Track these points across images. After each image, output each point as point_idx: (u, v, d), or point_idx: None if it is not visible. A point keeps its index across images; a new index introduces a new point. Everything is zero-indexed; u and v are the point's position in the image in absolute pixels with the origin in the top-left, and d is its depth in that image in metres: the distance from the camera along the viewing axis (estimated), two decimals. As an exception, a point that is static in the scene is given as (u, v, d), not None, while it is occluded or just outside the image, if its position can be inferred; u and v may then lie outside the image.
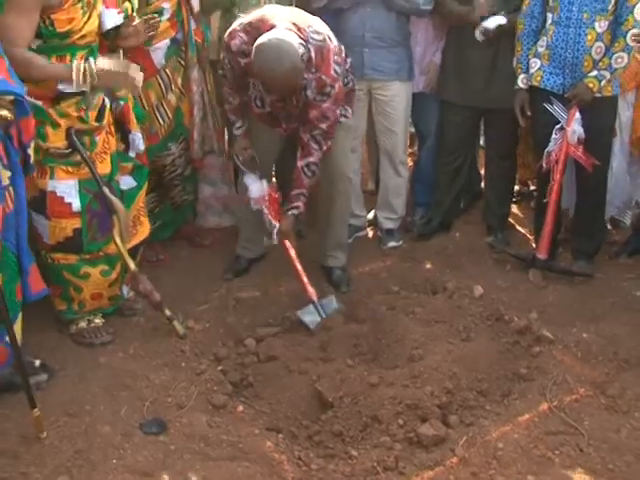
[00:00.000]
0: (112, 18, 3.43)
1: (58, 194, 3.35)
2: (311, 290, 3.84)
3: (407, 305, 3.90)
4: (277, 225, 3.89)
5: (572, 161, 4.14)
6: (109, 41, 3.55)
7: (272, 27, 3.51)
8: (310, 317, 3.76)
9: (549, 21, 4.03)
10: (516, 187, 5.23)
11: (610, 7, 3.86)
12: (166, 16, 3.99)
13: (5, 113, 2.75)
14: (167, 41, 4.05)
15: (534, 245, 4.51)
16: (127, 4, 3.56)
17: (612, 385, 3.29)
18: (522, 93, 4.20)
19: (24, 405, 2.95)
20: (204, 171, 4.54)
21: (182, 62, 4.18)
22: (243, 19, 3.71)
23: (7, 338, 2.93)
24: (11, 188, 2.94)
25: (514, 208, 5.13)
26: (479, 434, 3.01)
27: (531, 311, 3.87)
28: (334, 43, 3.69)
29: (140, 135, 3.73)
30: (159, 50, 4.04)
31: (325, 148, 3.79)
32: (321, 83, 3.60)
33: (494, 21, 4.18)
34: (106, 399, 3.18)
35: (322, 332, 3.64)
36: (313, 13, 3.92)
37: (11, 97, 2.78)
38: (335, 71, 3.63)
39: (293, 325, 3.78)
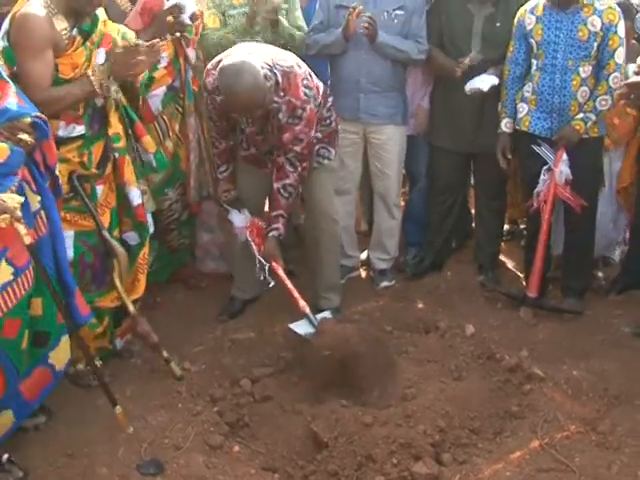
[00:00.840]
0: (102, 54, 3.52)
1: None
2: (302, 303, 3.90)
3: (400, 344, 3.98)
4: (261, 249, 3.95)
5: (560, 201, 4.23)
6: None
7: None
8: (304, 329, 3.83)
9: (534, 67, 4.16)
10: (506, 226, 5.32)
11: (593, 53, 3.99)
12: (163, 64, 4.09)
13: (26, 137, 2.84)
14: (164, 88, 4.14)
15: (524, 283, 4.59)
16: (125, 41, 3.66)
17: (602, 422, 3.35)
18: (505, 137, 4.32)
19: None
20: (202, 217, 4.61)
21: (179, 109, 4.30)
22: (216, 58, 3.84)
23: (50, 360, 3.07)
24: (43, 212, 3.01)
25: (504, 246, 5.20)
26: (472, 472, 3.07)
27: (522, 349, 3.94)
28: (302, 70, 3.80)
29: (137, 191, 3.76)
30: (156, 97, 4.13)
31: (300, 170, 3.86)
32: (291, 106, 3.71)
33: (488, 82, 4.28)
34: (104, 440, 3.23)
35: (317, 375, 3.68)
36: (306, 59, 4.04)
37: (29, 120, 2.87)
38: (305, 94, 3.74)
39: (288, 365, 3.84)
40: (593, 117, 4.03)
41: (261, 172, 4.10)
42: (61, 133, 3.39)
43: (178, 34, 4.11)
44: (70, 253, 3.44)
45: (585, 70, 4.03)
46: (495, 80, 4.29)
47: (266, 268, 3.92)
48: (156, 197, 4.26)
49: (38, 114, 2.92)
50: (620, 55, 3.98)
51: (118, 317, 3.84)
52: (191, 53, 4.23)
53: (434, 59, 4.49)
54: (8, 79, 2.98)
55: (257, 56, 3.64)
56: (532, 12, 4.13)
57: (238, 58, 3.57)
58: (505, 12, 4.32)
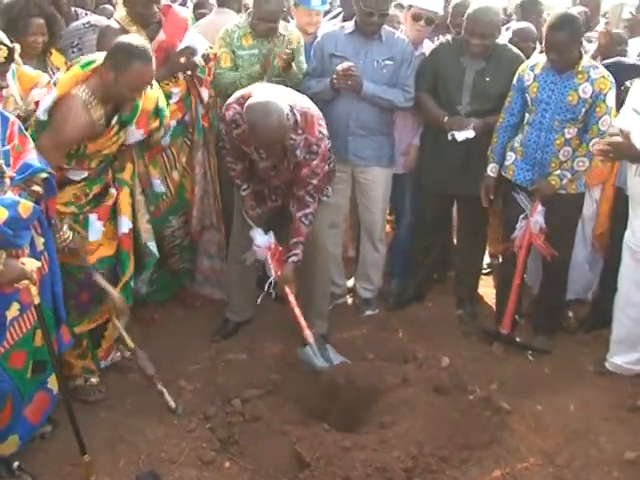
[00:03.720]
0: (135, 136, 3.82)
1: None
2: (308, 333, 4.17)
3: (380, 373, 4.22)
4: (278, 273, 4.21)
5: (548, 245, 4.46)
6: None
7: None
8: (309, 358, 4.12)
9: (526, 121, 4.43)
10: (487, 259, 5.62)
11: (580, 117, 4.24)
12: (174, 99, 4.42)
13: (38, 189, 3.13)
14: (174, 122, 4.42)
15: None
16: (156, 122, 3.95)
17: (561, 455, 3.63)
18: (489, 180, 4.57)
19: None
20: (204, 245, 4.87)
21: (188, 143, 4.58)
22: (235, 94, 4.12)
23: (48, 385, 3.33)
24: (46, 253, 3.30)
25: (484, 280, 5.50)
26: (439, 497, 3.36)
27: (492, 382, 4.23)
28: (318, 112, 4.10)
29: (126, 220, 3.98)
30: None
31: (318, 199, 4.18)
32: (308, 142, 4.00)
33: (463, 135, 4.56)
34: (106, 451, 3.52)
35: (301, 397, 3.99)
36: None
37: (44, 175, 3.16)
38: (320, 132, 4.05)
39: (277, 388, 4.12)
40: (569, 175, 4.27)
41: (264, 207, 4.38)
42: (70, 176, 3.67)
43: (189, 72, 4.41)
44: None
45: (570, 132, 4.27)
46: (471, 134, 4.54)
47: (272, 289, 4.27)
48: (160, 224, 4.54)
49: (51, 171, 3.21)
50: (605, 122, 4.19)
51: (97, 338, 4.06)
52: (204, 92, 4.52)
53: (423, 104, 4.79)
54: (27, 134, 3.25)
55: (279, 96, 3.92)
56: (532, 69, 4.36)
57: (265, 97, 3.83)
58: (495, 67, 4.57)
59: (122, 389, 4.04)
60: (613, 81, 4.23)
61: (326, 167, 4.21)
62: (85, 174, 3.72)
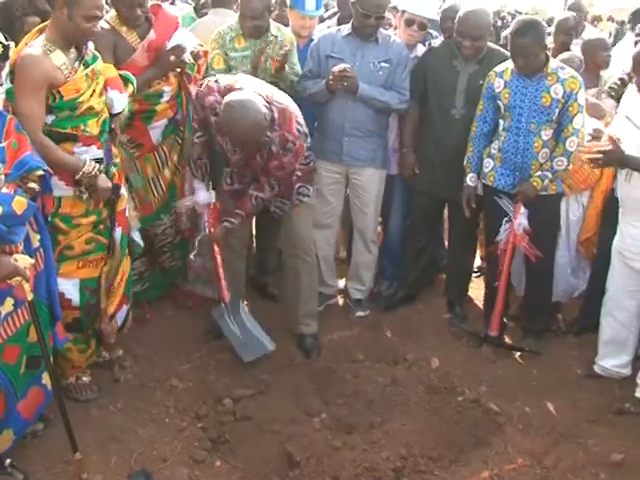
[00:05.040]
0: (120, 101, 3.84)
1: (60, 290, 3.61)
2: (226, 293, 4.37)
3: (370, 374, 4.29)
4: (211, 230, 4.32)
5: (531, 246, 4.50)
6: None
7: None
8: (220, 318, 4.36)
9: (501, 127, 4.48)
10: (477, 262, 5.66)
11: (554, 117, 4.30)
12: (166, 98, 4.44)
13: (34, 186, 3.15)
14: (165, 121, 4.48)
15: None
16: (130, 87, 3.98)
17: (548, 456, 3.68)
18: (469, 189, 4.62)
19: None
20: (194, 242, 4.81)
21: (179, 141, 4.60)
22: (218, 79, 4.15)
23: (43, 381, 3.35)
24: (41, 249, 3.32)
25: (474, 282, 5.52)
26: (427, 496, 3.40)
27: (481, 384, 4.27)
28: (296, 110, 4.13)
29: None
30: (157, 129, 4.48)
31: (276, 191, 4.22)
32: (284, 139, 4.02)
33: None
34: (98, 449, 3.54)
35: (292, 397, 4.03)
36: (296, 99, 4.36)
37: (40, 173, 3.17)
38: (297, 130, 4.07)
39: (267, 388, 4.14)
40: (550, 175, 4.33)
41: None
42: (79, 155, 3.62)
43: (179, 70, 4.43)
44: (76, 298, 3.76)
45: (546, 133, 4.33)
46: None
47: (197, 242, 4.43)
48: (151, 222, 4.58)
49: (47, 168, 3.22)
50: (578, 121, 4.28)
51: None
52: (193, 89, 4.52)
53: (412, 114, 4.89)
54: (24, 131, 3.26)
55: (259, 91, 3.95)
56: (501, 76, 4.41)
57: (244, 95, 3.86)
58: (489, 70, 4.56)
59: (114, 388, 4.05)
60: (582, 80, 4.32)
61: (304, 166, 4.25)
62: (94, 150, 3.68)
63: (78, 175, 3.58)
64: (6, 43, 3.15)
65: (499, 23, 17.64)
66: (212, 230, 4.31)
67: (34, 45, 3.47)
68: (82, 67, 3.61)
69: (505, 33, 5.49)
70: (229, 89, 3.98)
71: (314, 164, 4.46)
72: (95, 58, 3.73)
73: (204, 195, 4.35)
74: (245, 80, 4.13)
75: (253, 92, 3.94)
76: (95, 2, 3.51)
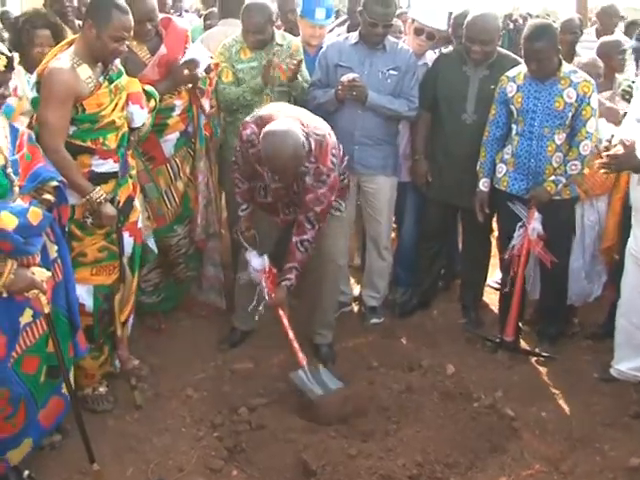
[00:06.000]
0: (141, 116, 3.90)
1: None
2: (301, 356, 4.17)
3: (385, 381, 4.29)
4: (272, 296, 4.21)
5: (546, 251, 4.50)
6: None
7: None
8: (301, 381, 4.11)
9: (514, 132, 4.48)
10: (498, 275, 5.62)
11: (567, 121, 4.30)
12: (177, 112, 4.47)
13: (49, 197, 3.18)
14: (177, 134, 4.51)
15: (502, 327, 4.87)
16: (152, 101, 4.05)
17: (565, 462, 3.66)
18: (482, 194, 4.62)
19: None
20: (209, 253, 4.92)
21: (191, 153, 4.63)
22: (255, 113, 4.17)
23: (63, 390, 3.37)
24: (59, 260, 3.36)
25: (489, 288, 5.52)
26: (445, 503, 3.40)
27: (497, 390, 4.25)
28: (333, 139, 4.13)
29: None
30: (169, 142, 4.51)
31: (317, 228, 4.16)
32: (319, 172, 4.03)
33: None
34: (114, 460, 3.56)
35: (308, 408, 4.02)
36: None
37: (54, 184, 3.21)
38: (332, 162, 4.07)
39: (282, 396, 4.15)
40: (563, 180, 4.33)
41: (272, 219, 4.42)
42: (95, 168, 3.70)
43: (190, 85, 4.45)
44: (90, 304, 3.80)
45: (560, 137, 4.34)
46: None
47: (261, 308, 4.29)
48: (165, 233, 4.61)
49: (62, 179, 3.26)
50: (591, 124, 4.28)
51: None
52: (205, 103, 4.55)
53: (423, 121, 4.91)
54: (37, 143, 3.31)
55: (296, 121, 3.95)
56: (513, 80, 4.43)
57: (283, 125, 3.85)
58: (499, 75, 4.56)
59: (130, 398, 4.06)
60: (594, 83, 4.32)
61: (332, 197, 4.17)
62: (110, 164, 3.75)
63: (83, 199, 3.64)
64: (9, 55, 3.19)
65: (511, 26, 17.67)
66: (272, 295, 4.21)
67: (62, 58, 3.56)
68: (106, 82, 3.68)
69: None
70: (268, 119, 3.99)
71: (348, 181, 4.48)
72: (120, 74, 3.81)
73: (257, 262, 4.30)
74: (280, 109, 4.16)
75: (292, 120, 3.95)
76: (123, 24, 3.60)
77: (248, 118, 4.17)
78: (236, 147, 4.30)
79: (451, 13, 5.29)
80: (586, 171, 4.50)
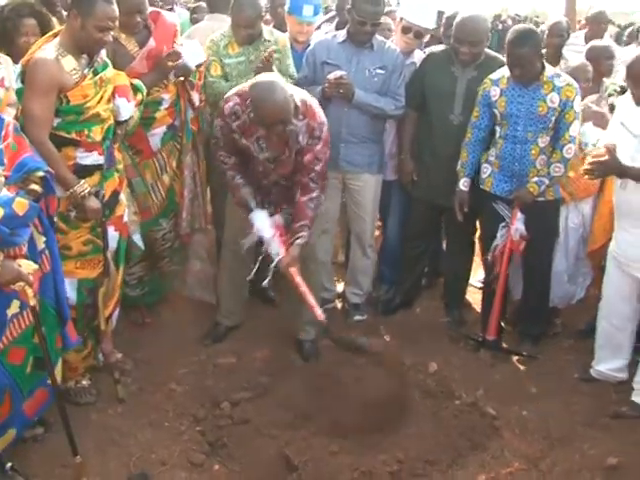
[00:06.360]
0: (127, 109, 3.90)
1: None
2: (319, 312, 4.06)
3: (367, 378, 4.28)
4: (285, 255, 4.05)
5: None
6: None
7: None
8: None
9: (498, 134, 4.51)
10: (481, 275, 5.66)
11: (551, 125, 4.34)
12: (165, 105, 4.47)
13: (36, 187, 3.16)
14: (164, 128, 4.51)
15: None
16: (139, 95, 4.05)
17: (544, 460, 3.70)
18: (462, 193, 4.63)
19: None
20: (194, 247, 4.91)
21: (178, 147, 4.62)
22: (236, 88, 4.18)
23: (49, 381, 3.34)
24: (47, 251, 3.35)
25: (472, 287, 5.55)
26: (425, 500, 3.43)
27: (478, 388, 4.29)
28: (314, 101, 4.16)
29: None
30: (156, 135, 4.50)
31: (321, 185, 4.17)
32: (311, 127, 4.05)
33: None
34: (97, 453, 3.56)
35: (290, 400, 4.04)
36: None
37: (41, 174, 3.19)
38: (320, 117, 4.10)
39: (265, 391, 4.18)
40: (547, 181, 4.37)
41: None
42: (80, 160, 3.70)
43: (182, 78, 4.46)
44: (73, 297, 3.80)
45: (543, 141, 4.37)
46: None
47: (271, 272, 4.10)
48: (151, 227, 4.60)
49: (48, 169, 3.24)
50: (575, 128, 4.32)
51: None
52: (195, 96, 4.56)
53: (410, 120, 4.93)
54: (22, 134, 3.30)
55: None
56: (497, 84, 4.44)
57: (270, 77, 3.94)
58: (487, 76, 4.57)
59: (113, 392, 4.07)
60: (577, 87, 4.35)
61: (328, 153, 4.19)
62: (95, 156, 3.75)
63: (67, 192, 3.64)
64: None
65: (500, 27, 17.76)
66: (285, 253, 4.05)
67: (47, 49, 3.56)
68: (91, 74, 3.68)
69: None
70: (246, 90, 4.01)
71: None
72: (105, 66, 3.80)
73: (269, 221, 4.12)
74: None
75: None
76: (108, 13, 3.59)
77: (229, 93, 4.17)
78: (216, 125, 4.26)
79: (442, 12, 5.32)
80: (571, 174, 4.53)
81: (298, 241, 4.05)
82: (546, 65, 4.40)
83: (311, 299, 4.06)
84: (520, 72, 4.28)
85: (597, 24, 7.04)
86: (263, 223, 4.10)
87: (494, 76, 4.49)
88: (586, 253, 4.78)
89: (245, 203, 4.19)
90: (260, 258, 4.19)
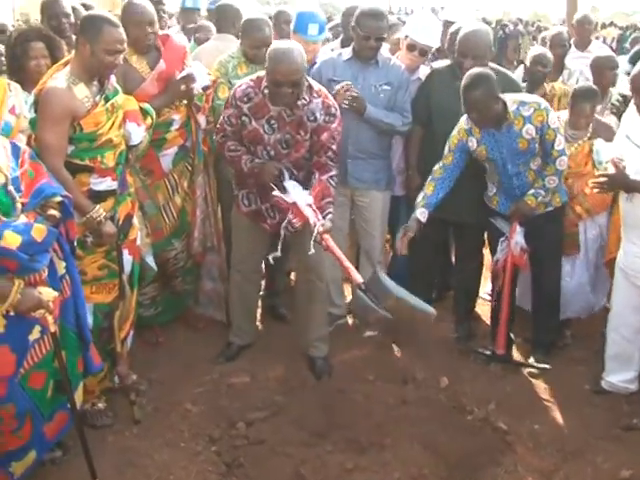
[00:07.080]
0: (138, 134, 3.95)
1: None
2: (356, 277, 3.94)
3: (380, 395, 4.34)
4: (318, 222, 3.99)
5: (528, 264, 4.61)
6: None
7: None
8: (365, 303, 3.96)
9: (489, 170, 4.56)
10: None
11: (537, 151, 4.38)
12: (175, 126, 4.54)
13: (55, 213, 3.21)
14: (175, 148, 4.58)
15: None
16: (149, 119, 4.10)
17: (557, 474, 3.73)
18: (416, 222, 4.51)
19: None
20: (207, 266, 4.97)
21: (189, 168, 4.69)
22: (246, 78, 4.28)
23: (68, 405, 3.39)
24: (67, 276, 3.40)
25: (482, 300, 5.56)
26: (439, 516, 3.46)
27: (490, 402, 4.31)
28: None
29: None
30: (167, 156, 4.57)
31: (337, 166, 4.27)
32: (327, 105, 4.17)
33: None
34: (115, 475, 3.59)
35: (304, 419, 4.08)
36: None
37: (59, 199, 3.24)
38: (332, 97, 4.26)
39: (280, 410, 4.21)
40: (543, 193, 4.41)
41: (259, 230, 4.44)
42: (94, 186, 3.76)
43: (186, 101, 4.52)
44: (89, 321, 3.80)
45: (535, 163, 4.42)
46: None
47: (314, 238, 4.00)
48: (163, 247, 4.66)
49: (66, 194, 3.29)
50: (559, 142, 4.33)
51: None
52: (201, 119, 4.62)
53: (416, 135, 4.98)
54: (39, 160, 3.35)
55: None
56: (471, 133, 4.44)
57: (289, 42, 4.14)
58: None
59: (128, 413, 4.11)
60: (546, 104, 4.38)
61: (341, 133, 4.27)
62: (108, 182, 3.81)
63: (84, 219, 3.69)
64: None
65: (501, 33, 17.78)
66: (320, 224, 3.97)
67: (58, 78, 3.63)
68: (103, 101, 3.74)
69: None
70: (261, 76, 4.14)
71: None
72: (116, 92, 3.87)
73: (300, 189, 4.11)
74: None
75: None
76: (115, 37, 3.65)
77: (240, 82, 4.28)
78: (224, 116, 4.29)
79: (449, 23, 5.35)
80: (587, 191, 4.59)
81: (329, 216, 4.11)
82: (506, 99, 4.33)
83: (347, 263, 4.01)
84: (477, 116, 4.27)
85: (582, 28, 7.04)
86: (299, 191, 4.12)
87: (465, 124, 4.48)
88: (604, 263, 4.82)
89: (274, 175, 4.15)
90: (281, 239, 4.18)
